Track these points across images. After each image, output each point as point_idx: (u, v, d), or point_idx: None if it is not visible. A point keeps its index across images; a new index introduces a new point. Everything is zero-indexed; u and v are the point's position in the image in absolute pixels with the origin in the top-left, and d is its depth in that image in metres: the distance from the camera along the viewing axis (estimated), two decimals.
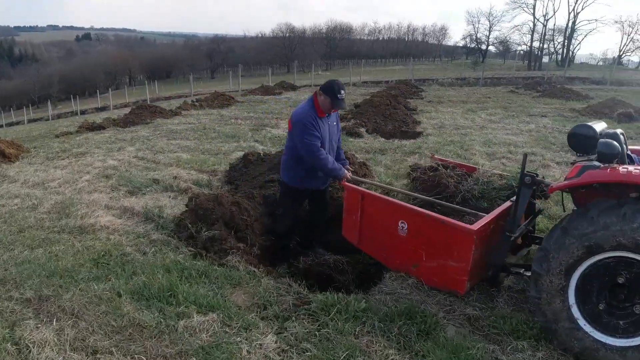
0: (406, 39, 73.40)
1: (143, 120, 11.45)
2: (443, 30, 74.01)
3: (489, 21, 56.49)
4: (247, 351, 2.59)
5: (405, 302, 3.13)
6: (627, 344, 2.49)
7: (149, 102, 21.53)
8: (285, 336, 2.77)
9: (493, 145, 9.78)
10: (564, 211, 3.81)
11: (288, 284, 3.49)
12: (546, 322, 2.72)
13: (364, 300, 3.18)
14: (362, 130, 10.19)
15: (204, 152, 8.16)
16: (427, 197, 4.23)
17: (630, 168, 2.56)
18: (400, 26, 76.93)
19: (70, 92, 45.50)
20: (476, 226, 3.04)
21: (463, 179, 4.56)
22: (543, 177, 3.44)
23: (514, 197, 3.33)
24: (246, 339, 2.69)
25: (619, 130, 3.30)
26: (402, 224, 3.40)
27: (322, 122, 3.91)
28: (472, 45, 62.07)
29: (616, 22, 59.06)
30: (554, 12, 54.41)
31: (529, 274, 3.01)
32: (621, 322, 2.54)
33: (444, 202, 4.07)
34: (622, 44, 50.45)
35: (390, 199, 3.77)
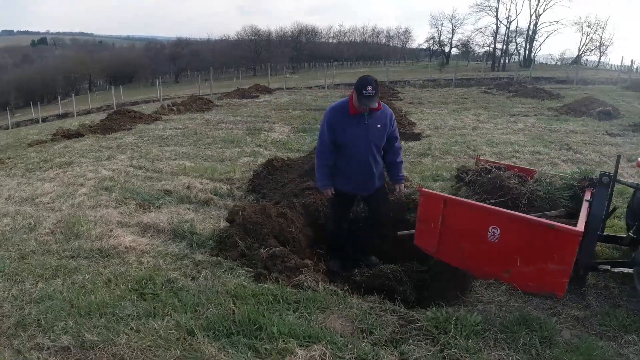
0: (371, 41, 74.18)
1: (123, 126, 10.57)
2: (407, 33, 75.41)
3: (452, 24, 57.97)
4: None
5: (511, 309, 2.92)
6: None
7: (115, 108, 20.30)
8: None
9: (497, 145, 9.64)
10: None
11: (378, 301, 3.05)
12: None
13: (476, 312, 2.83)
14: None
15: (206, 159, 7.51)
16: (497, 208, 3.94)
17: None
18: (365, 29, 77.61)
19: (28, 99, 42.67)
20: (580, 228, 2.99)
21: (523, 181, 4.35)
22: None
23: (589, 197, 3.54)
24: None
25: None
26: (494, 230, 3.23)
27: (353, 121, 3.64)
28: (435, 48, 63.46)
29: (576, 23, 62.16)
30: (517, 15, 56.50)
31: (617, 270, 3.20)
32: None
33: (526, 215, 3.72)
34: (582, 44, 52.85)
35: (481, 204, 3.49)
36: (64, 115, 26.18)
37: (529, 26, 51.31)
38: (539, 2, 50.35)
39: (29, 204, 5.31)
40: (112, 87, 29.95)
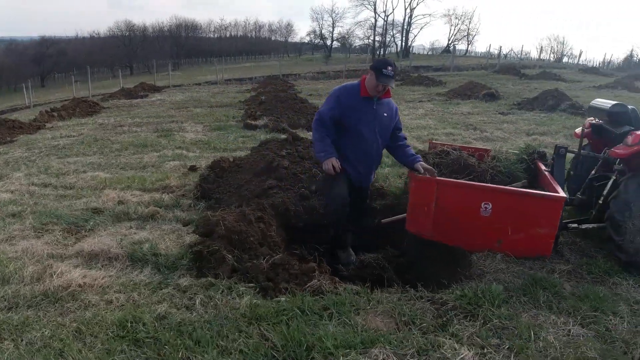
0: (252, 36, 73.03)
1: (2, 139, 8.77)
2: (289, 27, 75.72)
3: (332, 18, 59.70)
4: None
5: (517, 274, 3.20)
6: None
7: None
8: (467, 342, 2.47)
9: (414, 130, 10.10)
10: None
11: (400, 291, 3.06)
12: (629, 257, 3.29)
13: (495, 282, 3.05)
14: (286, 126, 9.50)
15: (123, 167, 6.56)
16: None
17: None
18: (247, 23, 75.81)
19: None
20: (563, 194, 3.48)
21: (479, 159, 4.62)
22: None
23: (544, 168, 4.24)
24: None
25: (630, 106, 3.96)
26: (486, 205, 3.46)
27: (362, 103, 3.57)
28: (317, 41, 64.93)
29: (445, 15, 68.36)
30: (393, 9, 60.26)
31: (584, 226, 3.74)
32: None
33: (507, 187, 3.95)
34: (451, 34, 58.47)
35: (472, 183, 3.74)
36: None
37: (404, 19, 55.36)
38: None
39: None
40: None
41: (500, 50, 37.97)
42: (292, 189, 4.60)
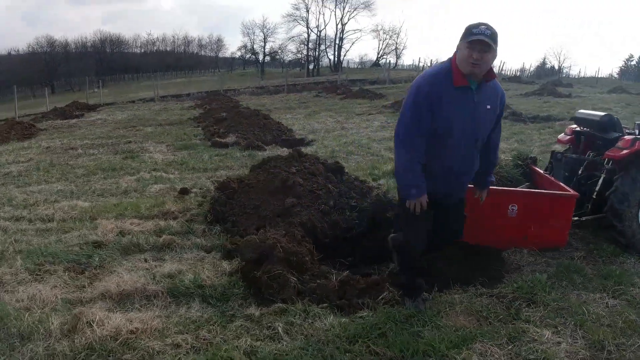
0: (182, 50, 70.77)
1: None
2: (219, 42, 74.29)
3: (264, 33, 59.56)
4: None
5: (547, 264, 3.65)
6: None
7: None
8: (541, 325, 2.79)
9: (386, 141, 10.27)
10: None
11: (461, 291, 3.25)
12: (628, 240, 3.86)
13: (537, 273, 3.44)
14: (260, 143, 9.27)
15: (101, 194, 5.97)
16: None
17: None
18: (175, 38, 73.04)
19: None
20: (574, 192, 3.96)
21: None
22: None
23: (542, 171, 4.84)
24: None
25: (615, 117, 4.55)
26: (512, 207, 3.87)
27: (455, 94, 2.60)
28: (249, 57, 64.48)
29: (374, 30, 70.91)
30: (325, 25, 61.49)
31: (584, 218, 4.22)
32: None
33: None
34: (380, 49, 60.84)
35: (500, 188, 4.10)
36: None
37: (336, 34, 56.77)
38: (343, 12, 55.70)
39: None
40: None
41: (431, 63, 40.22)
42: (312, 205, 4.46)
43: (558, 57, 61.78)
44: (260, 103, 22.31)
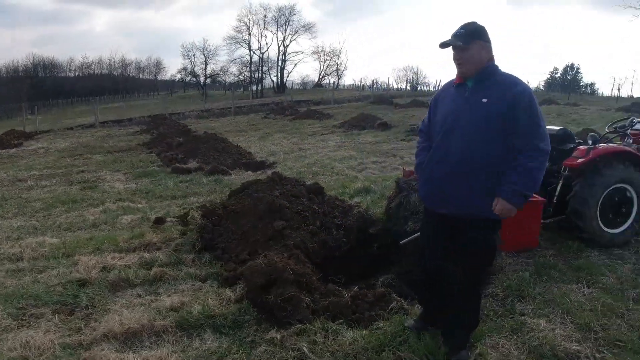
0: (119, 73, 68.14)
1: None
2: (158, 65, 72.41)
3: (205, 55, 58.96)
4: None
5: (527, 264, 4.05)
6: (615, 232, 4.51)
7: None
8: (535, 316, 3.21)
9: (343, 160, 10.60)
10: None
11: None
12: (589, 235, 4.38)
13: (524, 271, 3.86)
14: (224, 167, 9.22)
15: (68, 229, 5.69)
16: None
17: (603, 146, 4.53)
18: (112, 60, 70.28)
19: None
20: (540, 198, 4.34)
21: None
22: None
23: None
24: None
25: (569, 130, 5.10)
26: None
27: (452, 91, 2.67)
28: (189, 79, 63.43)
29: (314, 52, 72.09)
30: (267, 47, 61.74)
31: (548, 220, 4.55)
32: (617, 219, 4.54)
33: None
34: (321, 69, 62.16)
35: None
36: None
37: (278, 56, 57.38)
38: (285, 35, 56.52)
39: None
40: None
41: (372, 83, 41.88)
42: (300, 227, 4.56)
43: None
44: (210, 126, 22.02)
